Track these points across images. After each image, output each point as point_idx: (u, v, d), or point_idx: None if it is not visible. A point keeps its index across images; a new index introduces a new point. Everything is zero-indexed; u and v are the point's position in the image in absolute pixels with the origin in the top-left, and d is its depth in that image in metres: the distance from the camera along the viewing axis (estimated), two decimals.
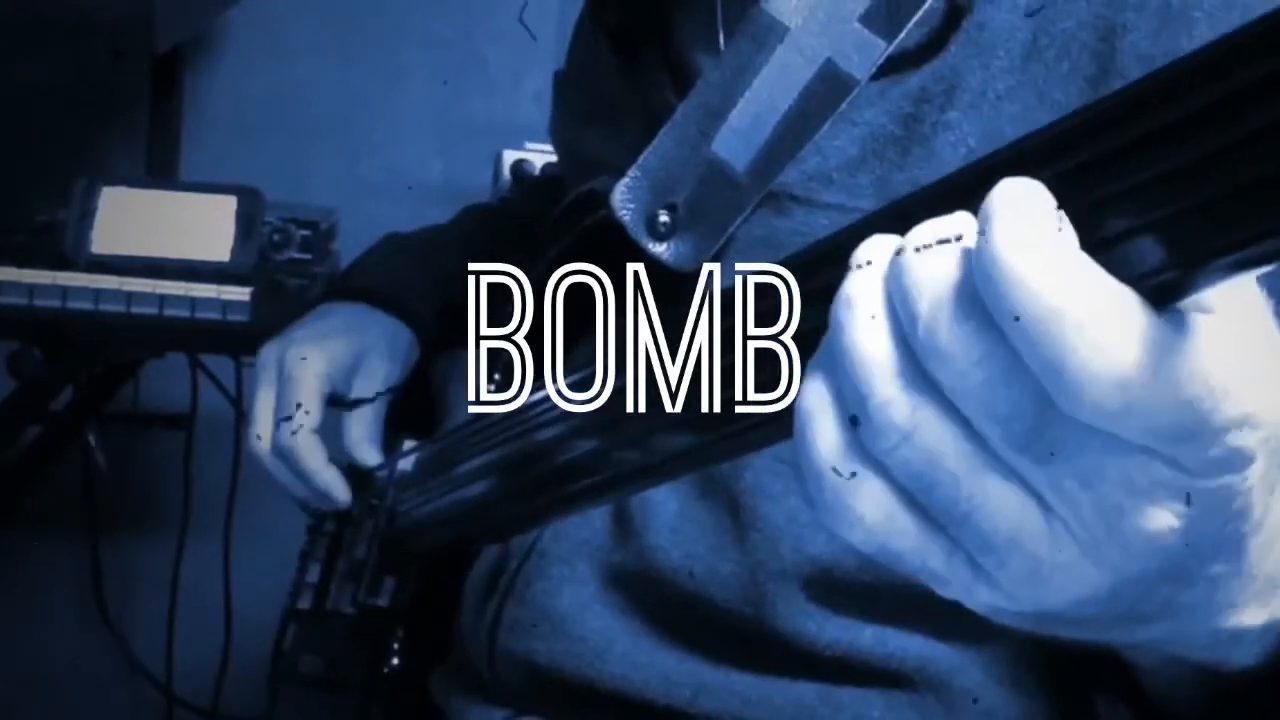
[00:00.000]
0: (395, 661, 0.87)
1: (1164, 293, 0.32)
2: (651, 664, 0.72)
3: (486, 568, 0.81)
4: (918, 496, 0.36)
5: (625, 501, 0.73)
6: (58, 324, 1.33)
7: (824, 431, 0.37)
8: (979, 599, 0.37)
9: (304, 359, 0.90)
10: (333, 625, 0.88)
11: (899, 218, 0.37)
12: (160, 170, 1.80)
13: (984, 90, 0.65)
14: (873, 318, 0.35)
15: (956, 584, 0.37)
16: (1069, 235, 0.32)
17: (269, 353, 0.92)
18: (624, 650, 0.72)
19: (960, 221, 0.34)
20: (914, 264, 0.34)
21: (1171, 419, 0.32)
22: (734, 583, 0.69)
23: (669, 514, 0.72)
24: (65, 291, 1.32)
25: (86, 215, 1.36)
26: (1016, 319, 0.32)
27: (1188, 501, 0.34)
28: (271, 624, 0.93)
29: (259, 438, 0.89)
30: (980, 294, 0.33)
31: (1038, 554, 0.35)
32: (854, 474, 0.36)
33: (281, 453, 0.88)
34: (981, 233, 0.32)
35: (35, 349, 1.34)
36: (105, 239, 1.35)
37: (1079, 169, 0.33)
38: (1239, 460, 0.34)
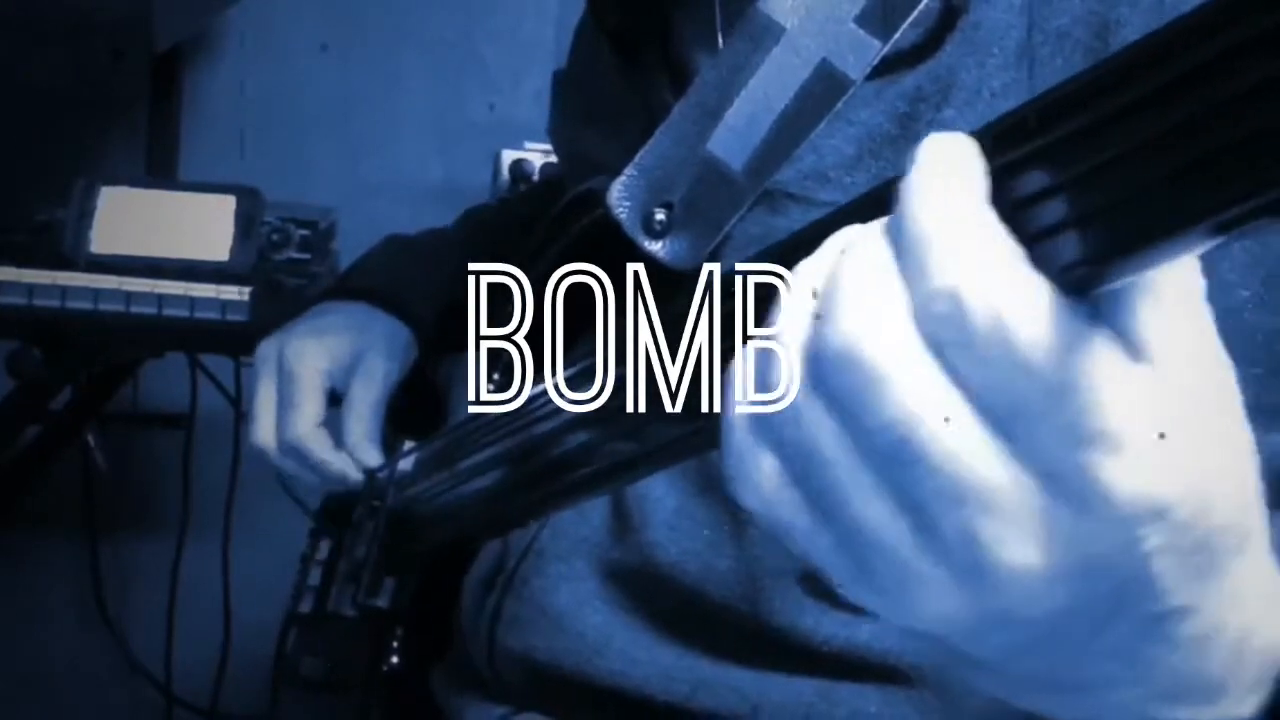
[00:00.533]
0: (395, 660, 0.87)
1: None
2: (650, 660, 0.72)
3: (485, 566, 0.82)
4: (803, 479, 0.36)
5: (623, 498, 0.74)
6: (57, 324, 1.33)
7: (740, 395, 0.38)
8: (864, 601, 0.37)
9: (303, 354, 0.90)
10: (334, 628, 0.89)
11: (875, 205, 0.37)
12: (159, 170, 1.80)
13: (979, 89, 0.65)
14: (802, 304, 0.36)
15: (844, 580, 0.37)
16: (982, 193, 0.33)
17: (268, 348, 0.92)
18: (622, 646, 0.73)
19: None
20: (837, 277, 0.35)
21: (1049, 409, 0.32)
22: (731, 579, 0.69)
23: (667, 511, 0.72)
24: (64, 291, 1.32)
25: (85, 215, 1.36)
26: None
27: (1055, 540, 0.33)
28: (271, 623, 0.94)
29: (262, 433, 0.90)
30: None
31: (906, 561, 0.35)
32: (755, 441, 0.37)
33: (289, 449, 0.88)
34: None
35: (34, 349, 1.34)
36: (104, 239, 1.36)
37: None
38: (1122, 516, 0.33)
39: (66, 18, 1.73)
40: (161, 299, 1.33)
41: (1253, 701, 0.40)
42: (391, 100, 1.88)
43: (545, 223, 0.78)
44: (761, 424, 0.37)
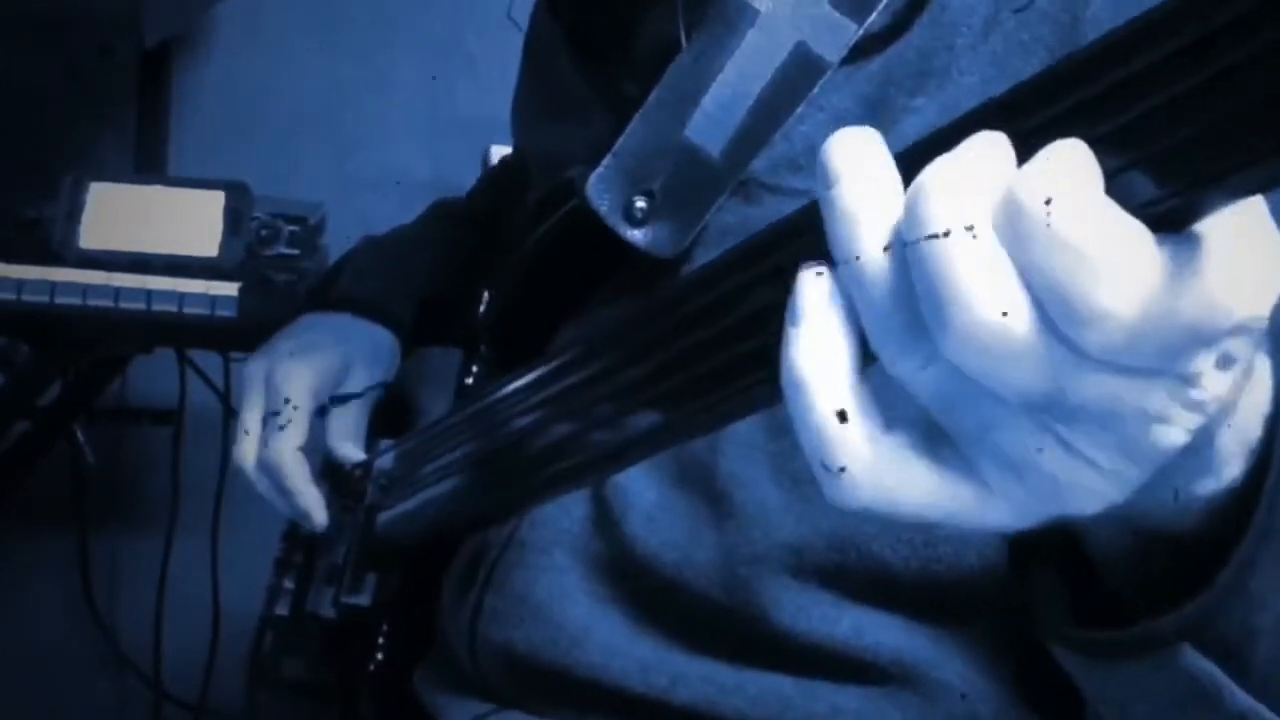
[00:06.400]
0: (379, 658, 0.87)
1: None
2: (629, 653, 0.72)
3: (466, 558, 0.82)
4: (938, 416, 0.37)
5: (603, 490, 0.73)
6: (46, 319, 1.33)
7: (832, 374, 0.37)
8: (987, 519, 0.38)
9: (291, 375, 0.90)
10: (313, 627, 0.89)
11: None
12: (148, 166, 1.80)
13: (948, 70, 0.65)
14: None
15: (965, 508, 0.38)
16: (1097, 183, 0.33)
17: (256, 367, 0.92)
18: (602, 639, 0.73)
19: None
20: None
21: (1181, 339, 0.34)
22: (710, 569, 0.69)
23: (647, 503, 0.72)
24: (53, 287, 1.32)
25: (74, 211, 1.36)
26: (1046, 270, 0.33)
27: (1195, 410, 0.36)
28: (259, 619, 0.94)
29: (244, 453, 0.90)
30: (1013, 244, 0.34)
31: (1056, 477, 0.36)
32: (847, 415, 0.36)
33: (267, 468, 0.89)
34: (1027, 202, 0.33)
35: (23, 344, 1.34)
36: (93, 234, 1.35)
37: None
38: (1228, 363, 0.35)
39: (55, 14, 1.73)
40: (150, 294, 1.33)
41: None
42: (380, 96, 1.88)
43: (523, 215, 0.78)
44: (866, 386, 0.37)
